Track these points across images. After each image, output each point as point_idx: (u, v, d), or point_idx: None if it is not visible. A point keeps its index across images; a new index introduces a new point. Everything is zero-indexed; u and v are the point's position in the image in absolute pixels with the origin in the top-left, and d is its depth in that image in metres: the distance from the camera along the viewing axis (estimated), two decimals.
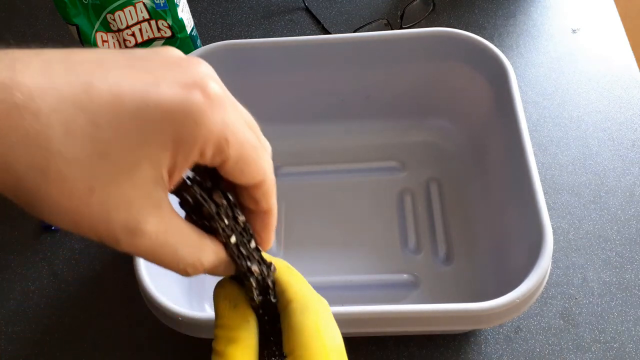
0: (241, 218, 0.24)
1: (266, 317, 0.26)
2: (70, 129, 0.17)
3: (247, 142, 0.21)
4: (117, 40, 0.54)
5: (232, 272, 0.25)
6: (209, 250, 0.23)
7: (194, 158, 0.20)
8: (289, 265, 0.27)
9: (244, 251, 0.24)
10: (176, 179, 0.21)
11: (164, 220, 0.20)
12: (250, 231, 0.25)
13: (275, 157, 0.25)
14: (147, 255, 0.21)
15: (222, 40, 0.52)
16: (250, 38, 0.67)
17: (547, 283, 0.47)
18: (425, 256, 0.51)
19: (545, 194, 0.53)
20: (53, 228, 0.54)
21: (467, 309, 0.36)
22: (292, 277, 0.26)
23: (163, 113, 0.18)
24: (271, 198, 0.24)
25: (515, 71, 0.49)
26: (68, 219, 0.19)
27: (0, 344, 0.48)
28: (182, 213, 0.23)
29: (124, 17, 0.52)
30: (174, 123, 0.19)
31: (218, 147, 0.20)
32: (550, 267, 0.39)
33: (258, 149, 0.22)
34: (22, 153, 0.17)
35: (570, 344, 0.46)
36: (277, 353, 0.25)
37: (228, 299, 0.25)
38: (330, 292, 0.41)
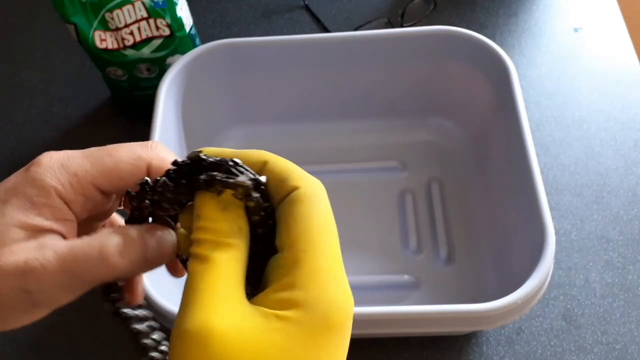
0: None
1: (259, 230, 0.22)
2: None
3: (94, 154, 0.24)
4: (116, 39, 0.53)
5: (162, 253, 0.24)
6: (105, 235, 0.23)
7: (59, 206, 0.23)
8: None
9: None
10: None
11: (52, 250, 0.22)
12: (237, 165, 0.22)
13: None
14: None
15: (221, 39, 0.52)
16: (250, 37, 0.67)
17: (549, 284, 0.46)
18: (426, 257, 0.51)
19: (547, 194, 0.52)
20: None
21: (468, 310, 0.36)
22: (288, 162, 0.22)
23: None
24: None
25: (516, 70, 0.49)
26: None
27: (1, 343, 0.48)
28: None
29: (122, 15, 0.52)
30: (25, 196, 0.23)
31: (74, 185, 0.23)
32: (552, 268, 0.38)
33: (112, 151, 0.24)
34: None
35: (572, 345, 0.46)
36: (264, 249, 0.21)
37: (216, 199, 0.21)
38: None
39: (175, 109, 0.51)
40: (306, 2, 0.70)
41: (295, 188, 0.21)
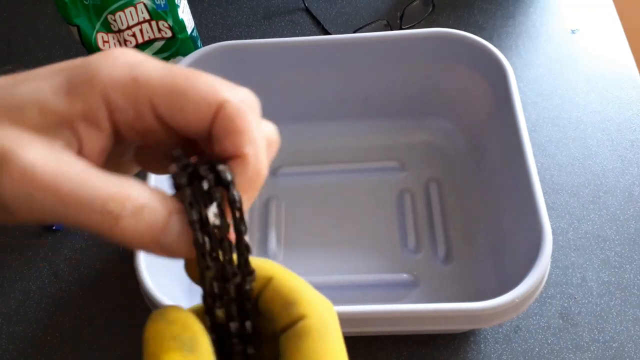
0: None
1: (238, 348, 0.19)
2: None
3: (170, 70, 0.19)
4: (118, 40, 0.54)
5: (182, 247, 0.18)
6: (137, 188, 0.17)
7: (97, 104, 0.18)
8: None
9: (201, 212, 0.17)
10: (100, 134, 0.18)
11: (55, 155, 0.17)
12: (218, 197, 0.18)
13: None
14: (36, 191, 0.16)
15: (223, 40, 0.52)
16: (251, 39, 0.67)
17: (546, 283, 0.47)
18: (424, 256, 0.51)
19: (544, 194, 0.53)
20: (54, 228, 0.54)
21: (466, 308, 0.36)
22: (297, 281, 0.19)
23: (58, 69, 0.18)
24: (242, 134, 0.18)
25: (514, 72, 0.49)
26: None
27: (1, 343, 0.48)
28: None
29: (125, 17, 0.53)
30: (67, 73, 0.18)
31: (127, 89, 0.18)
32: (549, 266, 0.39)
33: (191, 77, 0.19)
34: None
35: (569, 343, 0.46)
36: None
37: (175, 336, 0.17)
38: (330, 292, 0.41)
39: None
40: (306, 5, 0.70)
41: (303, 317, 0.18)
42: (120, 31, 0.53)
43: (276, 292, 0.19)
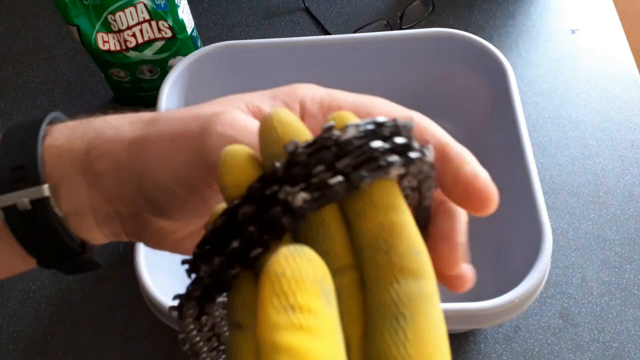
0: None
1: None
2: None
3: (358, 94, 0.22)
4: (118, 40, 0.54)
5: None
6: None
7: (294, 106, 0.22)
8: None
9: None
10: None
11: (248, 115, 0.21)
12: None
13: None
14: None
15: (223, 40, 0.52)
16: (251, 39, 0.67)
17: (546, 283, 0.47)
18: None
19: (544, 194, 0.53)
20: None
21: (466, 308, 0.36)
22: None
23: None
24: (437, 131, 0.21)
25: (514, 72, 0.49)
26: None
27: (1, 343, 0.49)
28: None
29: (125, 17, 0.53)
30: (273, 91, 0.22)
31: (324, 101, 0.22)
32: (549, 266, 0.39)
33: (375, 99, 0.23)
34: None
35: (569, 343, 0.46)
36: None
37: (320, 283, 0.14)
38: None
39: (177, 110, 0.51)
40: (306, 5, 0.70)
41: (424, 275, 0.16)
42: (120, 31, 0.53)
43: (405, 229, 0.16)
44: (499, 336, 0.47)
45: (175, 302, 0.18)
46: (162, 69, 0.56)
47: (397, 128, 0.16)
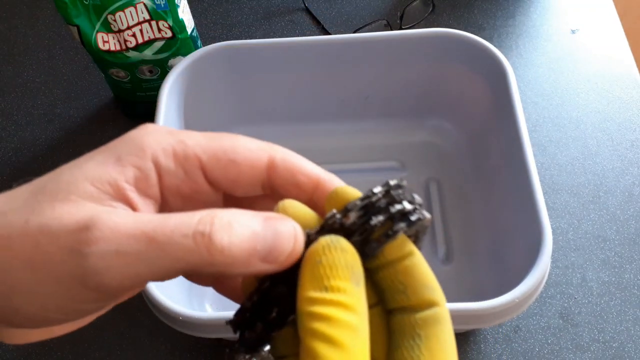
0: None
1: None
2: None
3: (211, 134, 0.20)
4: (118, 40, 0.54)
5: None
6: (219, 210, 0.17)
7: (148, 167, 0.19)
8: None
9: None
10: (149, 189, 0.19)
11: (129, 213, 0.17)
12: None
13: None
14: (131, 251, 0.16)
15: (223, 40, 0.52)
16: (251, 39, 0.67)
17: (546, 283, 0.47)
18: (424, 255, 0.51)
19: (544, 194, 0.53)
20: None
21: (466, 308, 0.36)
22: (428, 266, 0.20)
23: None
24: (308, 168, 0.21)
25: (514, 72, 0.49)
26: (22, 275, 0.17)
27: (1, 343, 0.48)
28: None
29: (125, 17, 0.53)
30: (112, 149, 0.19)
31: (176, 152, 0.19)
32: (549, 266, 0.39)
33: (233, 136, 0.20)
34: None
35: (569, 343, 0.46)
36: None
37: (350, 268, 0.17)
38: None
39: (177, 110, 0.51)
40: (306, 5, 0.70)
41: (437, 304, 0.19)
42: (120, 31, 0.53)
43: (417, 269, 0.19)
44: (499, 336, 0.47)
45: (227, 351, 0.21)
46: (162, 69, 0.56)
47: (392, 198, 0.19)
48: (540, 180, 0.52)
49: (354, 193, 0.19)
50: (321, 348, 0.16)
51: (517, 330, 0.47)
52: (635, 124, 0.58)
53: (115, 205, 0.18)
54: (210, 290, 0.51)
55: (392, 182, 0.19)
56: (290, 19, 0.69)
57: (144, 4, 0.52)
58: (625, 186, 0.54)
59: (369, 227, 0.18)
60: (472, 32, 0.51)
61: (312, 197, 0.21)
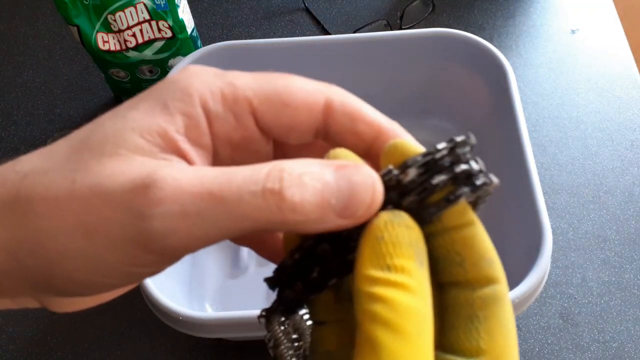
0: None
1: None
2: None
3: (261, 74, 0.18)
4: (118, 40, 0.54)
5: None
6: (287, 162, 0.16)
7: (198, 113, 0.17)
8: None
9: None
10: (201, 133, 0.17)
11: (189, 168, 0.16)
12: None
13: None
14: (189, 210, 0.15)
15: (223, 40, 0.52)
16: (251, 39, 0.67)
17: (546, 283, 0.47)
18: None
19: (544, 194, 0.53)
20: None
21: None
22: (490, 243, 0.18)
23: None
24: (368, 115, 0.19)
25: (514, 72, 0.49)
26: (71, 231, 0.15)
27: (1, 343, 0.48)
28: None
29: (125, 17, 0.53)
30: (155, 95, 0.17)
31: (225, 94, 0.17)
32: (549, 266, 0.39)
33: (285, 75, 0.18)
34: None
35: (569, 343, 0.46)
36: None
37: (414, 247, 0.15)
38: None
39: None
40: (306, 5, 0.70)
41: (497, 281, 0.17)
42: (120, 31, 0.53)
43: (477, 240, 0.17)
44: None
45: (263, 313, 0.20)
46: (162, 69, 0.56)
47: (457, 156, 0.17)
48: (540, 180, 0.52)
49: (415, 148, 0.17)
50: (383, 335, 0.14)
51: (517, 330, 0.47)
52: (635, 123, 0.58)
53: (170, 159, 0.16)
54: (210, 290, 0.51)
55: (459, 139, 0.17)
56: (290, 19, 0.69)
57: (144, 4, 0.52)
58: (625, 186, 0.54)
59: (429, 187, 0.16)
60: (472, 32, 0.51)
61: (372, 147, 0.19)
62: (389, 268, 0.15)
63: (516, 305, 0.37)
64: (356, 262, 0.15)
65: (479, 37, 0.51)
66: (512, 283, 0.38)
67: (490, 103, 0.51)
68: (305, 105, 0.18)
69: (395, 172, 0.17)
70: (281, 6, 0.71)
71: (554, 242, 0.51)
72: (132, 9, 0.52)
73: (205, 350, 0.47)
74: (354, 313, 0.15)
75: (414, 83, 0.55)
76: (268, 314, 0.19)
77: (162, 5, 0.53)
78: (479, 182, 0.17)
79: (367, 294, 0.15)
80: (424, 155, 0.17)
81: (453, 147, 0.17)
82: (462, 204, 0.17)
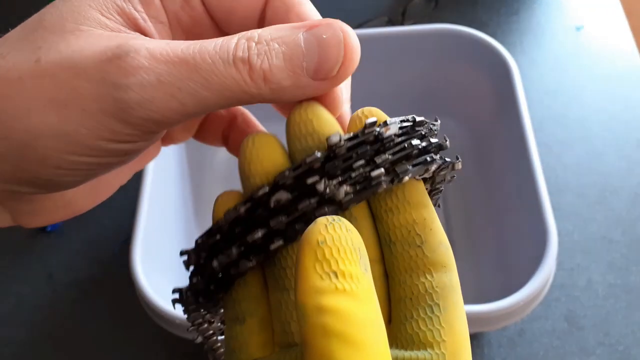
0: None
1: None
2: None
3: None
4: None
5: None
6: (255, 30, 0.15)
7: None
8: None
9: None
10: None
11: (158, 40, 0.16)
12: None
13: None
14: (166, 78, 0.14)
15: None
16: None
17: (551, 285, 0.46)
18: None
19: (549, 194, 0.52)
20: (48, 229, 0.54)
21: (470, 311, 0.36)
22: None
23: None
24: (304, 3, 0.18)
25: (518, 69, 0.49)
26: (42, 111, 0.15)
27: (1, 343, 0.48)
28: None
29: None
30: None
31: None
32: (554, 269, 0.38)
33: None
34: None
35: (574, 347, 0.45)
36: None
37: (358, 251, 0.14)
38: None
39: None
40: None
41: (452, 268, 0.17)
42: None
43: (435, 224, 0.17)
44: (503, 339, 0.46)
45: (176, 295, 0.18)
46: None
47: (431, 131, 0.17)
48: (545, 180, 0.51)
49: (384, 116, 0.17)
50: (338, 350, 0.13)
51: (522, 334, 0.46)
52: None
53: (134, 36, 0.16)
54: None
55: (431, 122, 0.18)
56: None
57: None
58: (631, 187, 0.53)
59: (408, 146, 0.16)
60: (475, 29, 0.51)
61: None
62: (336, 275, 0.13)
63: (521, 307, 0.36)
64: (295, 274, 0.14)
65: (483, 33, 0.50)
66: (517, 285, 0.37)
67: (494, 101, 0.51)
68: None
69: (378, 128, 0.17)
70: None
71: (559, 244, 0.50)
72: None
73: (203, 354, 0.47)
74: (299, 328, 0.14)
75: (416, 80, 0.55)
76: (182, 297, 0.17)
77: None
78: (448, 159, 0.17)
79: (315, 306, 0.13)
80: (403, 120, 0.17)
81: (427, 123, 0.18)
82: (421, 182, 0.17)
